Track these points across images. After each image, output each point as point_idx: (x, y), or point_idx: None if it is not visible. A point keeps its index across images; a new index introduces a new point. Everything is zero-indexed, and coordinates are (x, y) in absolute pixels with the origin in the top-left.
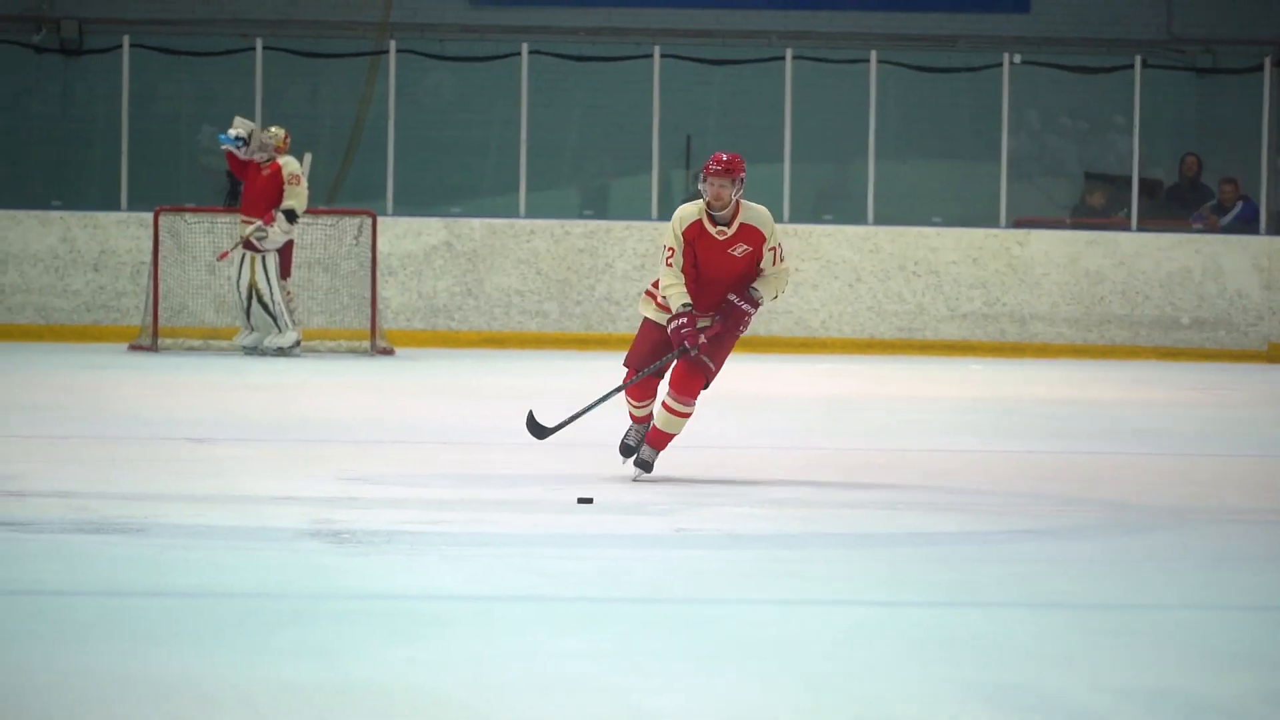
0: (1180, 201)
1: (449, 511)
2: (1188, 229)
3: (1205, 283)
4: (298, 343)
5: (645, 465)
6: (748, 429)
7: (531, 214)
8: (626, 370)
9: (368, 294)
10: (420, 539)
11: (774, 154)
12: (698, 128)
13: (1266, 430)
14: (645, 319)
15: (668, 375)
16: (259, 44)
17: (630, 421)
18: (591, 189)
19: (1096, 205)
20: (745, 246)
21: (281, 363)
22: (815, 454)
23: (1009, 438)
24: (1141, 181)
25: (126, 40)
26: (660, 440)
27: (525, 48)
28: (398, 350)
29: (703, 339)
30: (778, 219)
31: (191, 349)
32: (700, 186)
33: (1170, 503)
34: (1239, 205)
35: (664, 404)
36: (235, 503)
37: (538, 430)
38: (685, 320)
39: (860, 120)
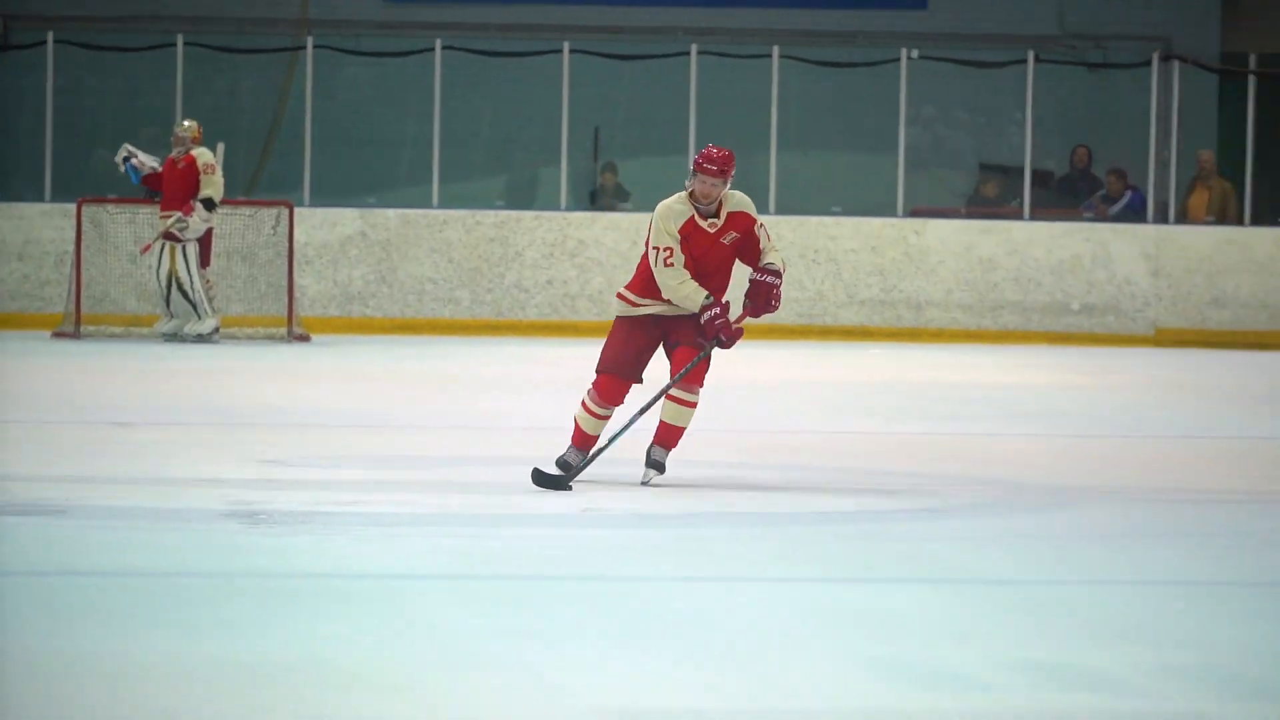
0: (1071, 192)
1: (364, 493)
2: (1078, 218)
3: (1095, 270)
4: (216, 329)
5: (659, 466)
6: (654, 412)
7: (445, 205)
8: (601, 375)
9: (285, 282)
10: (335, 519)
11: (679, 146)
12: (606, 120)
13: (1153, 412)
14: (618, 319)
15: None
16: (180, 40)
17: (570, 443)
18: (520, 180)
19: (990, 195)
20: (734, 234)
21: (201, 349)
22: (719, 436)
23: (906, 420)
24: (1034, 172)
25: (51, 36)
26: (672, 437)
27: (439, 44)
28: (314, 337)
29: (737, 326)
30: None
31: (114, 336)
32: (690, 181)
33: (1062, 481)
34: (1127, 195)
35: (671, 397)
36: (156, 485)
37: (554, 481)
38: (719, 310)
39: (763, 113)
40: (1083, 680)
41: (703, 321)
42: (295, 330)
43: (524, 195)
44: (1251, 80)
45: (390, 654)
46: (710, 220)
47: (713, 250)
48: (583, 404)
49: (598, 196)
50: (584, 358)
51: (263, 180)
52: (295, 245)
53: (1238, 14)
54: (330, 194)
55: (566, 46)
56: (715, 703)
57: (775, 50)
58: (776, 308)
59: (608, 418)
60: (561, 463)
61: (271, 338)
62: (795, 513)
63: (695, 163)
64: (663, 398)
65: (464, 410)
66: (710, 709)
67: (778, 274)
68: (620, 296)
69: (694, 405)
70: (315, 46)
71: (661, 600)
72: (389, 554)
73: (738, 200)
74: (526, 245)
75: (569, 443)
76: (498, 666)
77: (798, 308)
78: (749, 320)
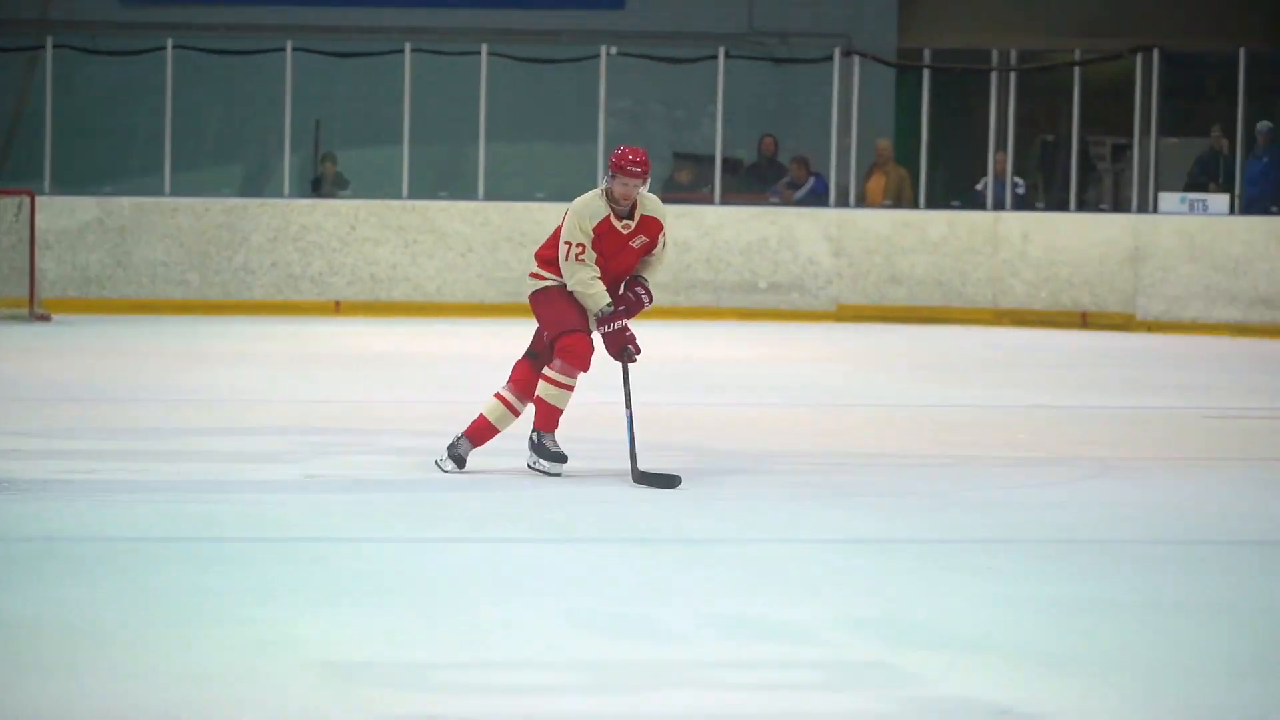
0: (759, 178)
1: (102, 461)
2: (765, 203)
3: (780, 251)
4: None
5: (548, 451)
6: (373, 383)
7: (176, 193)
8: (571, 335)
9: (26, 266)
10: (75, 487)
11: (394, 137)
12: (326, 114)
13: (832, 381)
14: (547, 289)
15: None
16: None
17: (536, 416)
18: (250, 170)
19: (684, 182)
20: (644, 238)
21: None
22: (436, 406)
23: (602, 391)
24: (724, 161)
25: None
26: (552, 419)
27: (170, 43)
28: (54, 317)
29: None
30: (396, 196)
31: None
32: (608, 181)
33: (747, 447)
34: (810, 181)
35: (545, 376)
36: None
37: (665, 480)
38: (623, 324)
39: (472, 107)
40: (771, 632)
41: (603, 332)
42: (36, 311)
43: (255, 184)
44: (925, 74)
45: (125, 612)
46: (625, 222)
47: (623, 253)
48: (549, 382)
49: (319, 184)
50: (308, 335)
51: (6, 171)
52: (36, 231)
53: (913, 12)
54: (69, 183)
55: (289, 45)
56: (431, 655)
57: (484, 48)
58: (646, 304)
59: (569, 387)
60: (554, 454)
61: (14, 318)
62: (504, 478)
63: (615, 164)
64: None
65: (195, 384)
66: (427, 661)
67: (648, 291)
68: (536, 275)
69: (571, 389)
70: (55, 46)
71: (379, 559)
72: (126, 519)
73: (652, 205)
74: (252, 230)
75: (539, 431)
76: (228, 622)
77: (504, 287)
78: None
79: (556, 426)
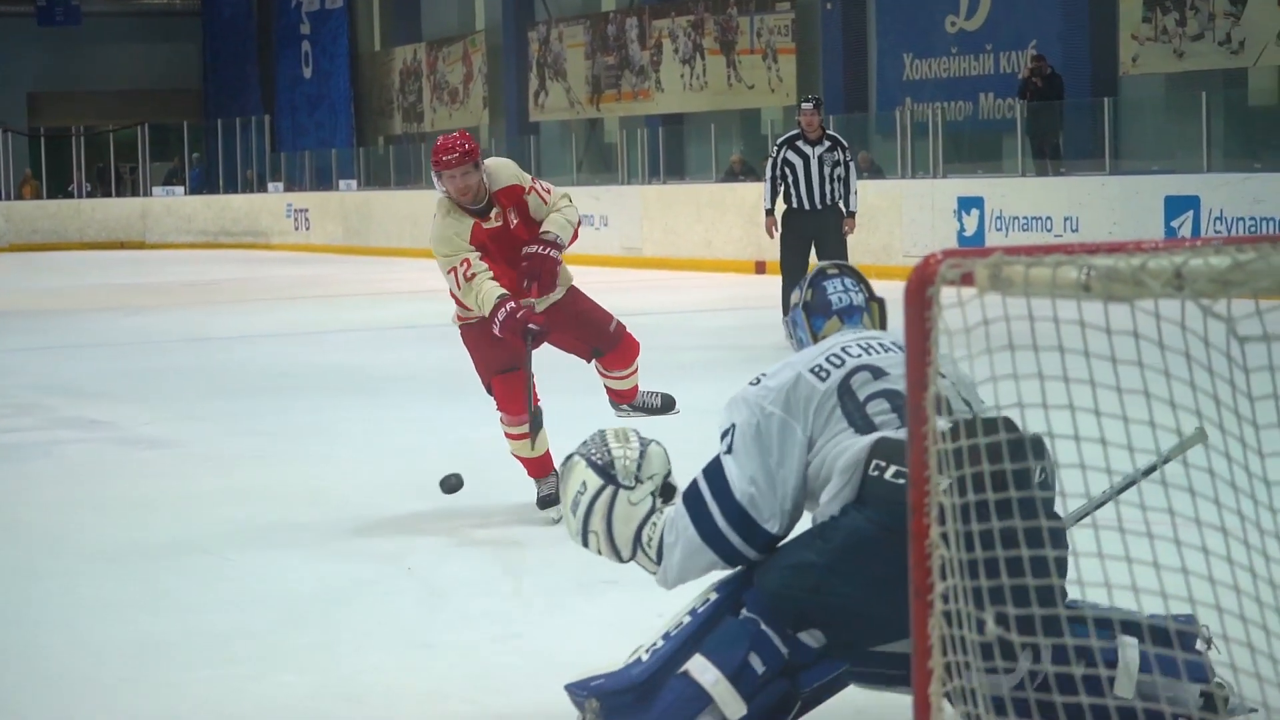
0: None
1: None
2: None
3: None
4: None
5: (539, 498)
6: None
7: None
8: (495, 380)
9: None
10: None
11: None
12: None
13: None
14: (463, 329)
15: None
16: None
17: (525, 469)
18: None
19: None
20: (512, 208)
21: None
22: None
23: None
24: None
25: None
26: (532, 468)
27: None
28: None
29: (537, 309)
30: None
31: None
32: (440, 185)
33: None
34: None
35: (613, 379)
36: None
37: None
38: (515, 304)
39: None
40: None
41: (500, 324)
42: None
43: None
44: None
45: None
46: (494, 213)
47: (507, 241)
48: (506, 437)
49: None
50: None
51: None
52: None
53: None
54: None
55: None
56: None
57: None
58: (554, 283)
59: (527, 433)
60: (545, 499)
61: None
62: None
63: (433, 162)
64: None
65: None
66: None
67: (554, 243)
68: (459, 318)
69: (636, 373)
70: None
71: None
72: None
73: (499, 176)
74: None
75: (534, 480)
76: None
77: None
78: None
79: (542, 473)
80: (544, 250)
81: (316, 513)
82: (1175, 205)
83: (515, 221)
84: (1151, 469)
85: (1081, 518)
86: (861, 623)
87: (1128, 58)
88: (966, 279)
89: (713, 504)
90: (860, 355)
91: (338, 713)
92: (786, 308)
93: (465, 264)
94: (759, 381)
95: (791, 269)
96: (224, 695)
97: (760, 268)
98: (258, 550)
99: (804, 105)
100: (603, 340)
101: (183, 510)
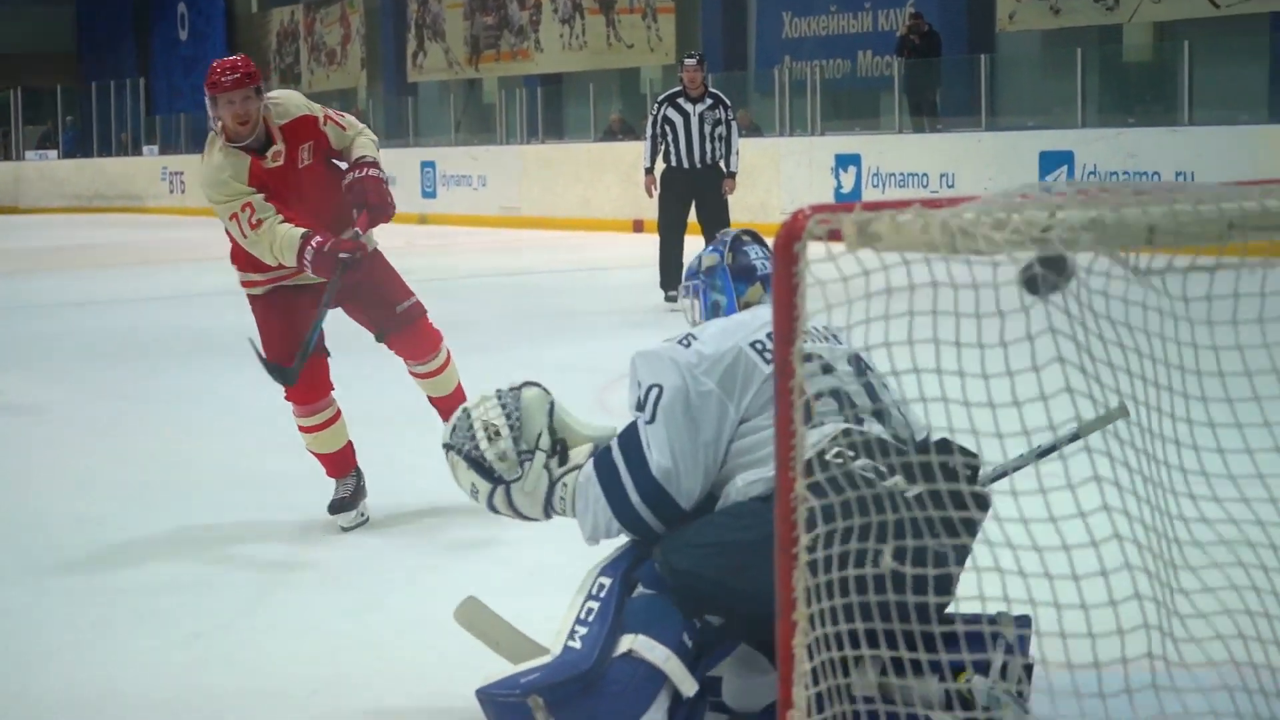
0: None
1: None
2: None
3: None
4: None
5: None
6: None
7: None
8: (282, 368)
9: None
10: None
11: None
12: None
13: None
14: (251, 300)
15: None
16: None
17: (321, 467)
18: None
19: None
20: (305, 144)
21: None
22: None
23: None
24: None
25: None
26: (330, 466)
27: None
28: None
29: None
30: None
31: None
32: (212, 120)
33: None
34: None
35: (416, 373)
36: None
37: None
38: (320, 238)
39: None
40: None
41: (310, 262)
42: None
43: None
44: None
45: None
46: (273, 151)
47: (302, 182)
48: (300, 430)
49: None
50: None
51: None
52: None
53: None
54: None
55: None
56: None
57: None
58: (391, 204)
59: (323, 424)
60: (337, 503)
61: None
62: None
63: (208, 85)
64: (422, 374)
65: None
66: None
67: (374, 164)
68: (244, 284)
69: (449, 363)
70: None
71: None
72: None
73: (288, 107)
74: None
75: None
76: None
77: None
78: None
79: (342, 471)
80: (367, 173)
81: (180, 477)
82: (1050, 160)
83: (308, 160)
84: (1073, 437)
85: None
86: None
87: (1004, 14)
88: (834, 235)
89: (627, 478)
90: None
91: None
92: (665, 266)
93: (248, 209)
94: (689, 344)
95: (669, 228)
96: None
97: (638, 226)
98: (129, 516)
99: (687, 61)
100: (389, 319)
101: (45, 478)
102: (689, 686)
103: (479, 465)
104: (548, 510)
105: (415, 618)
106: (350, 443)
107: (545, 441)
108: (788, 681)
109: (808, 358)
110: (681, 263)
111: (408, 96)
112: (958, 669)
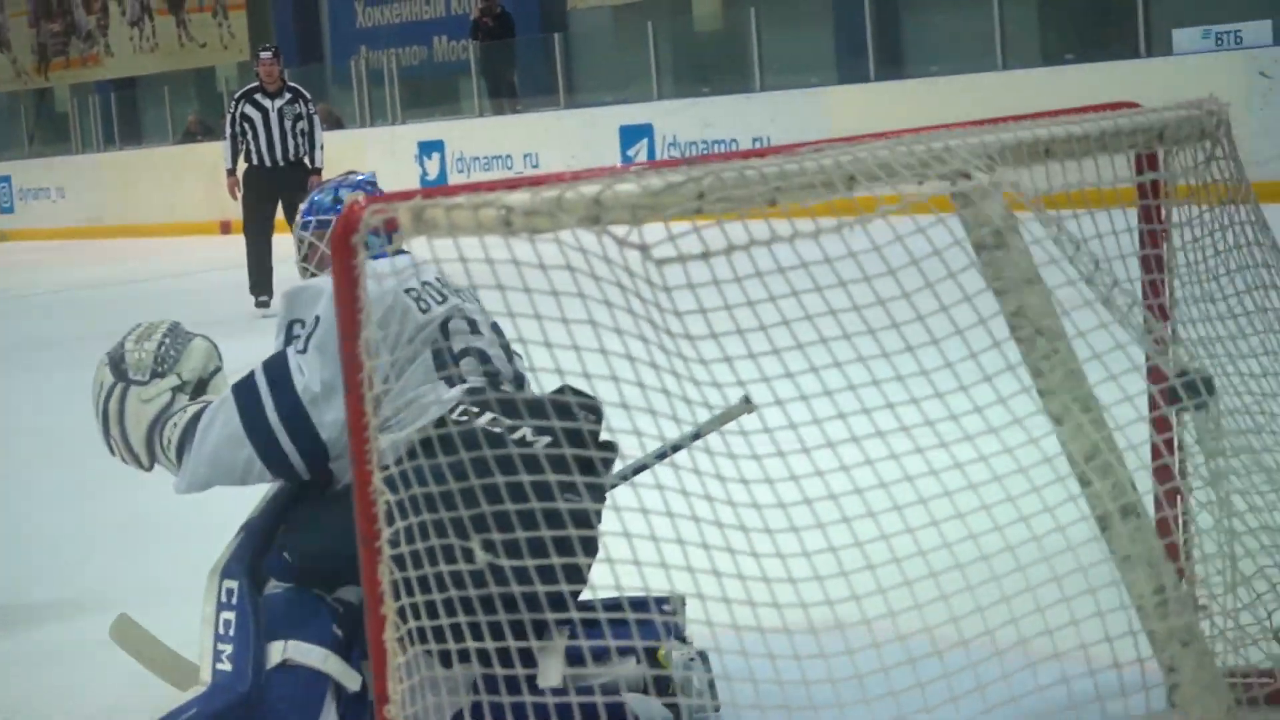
0: None
1: None
2: None
3: None
4: None
5: None
6: None
7: None
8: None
9: None
10: None
11: None
12: None
13: None
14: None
15: None
16: None
17: None
18: None
19: None
20: None
21: None
22: None
23: None
24: None
25: None
26: None
27: None
28: None
29: None
30: None
31: None
32: None
33: None
34: None
35: None
36: None
37: None
38: None
39: None
40: None
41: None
42: None
43: None
44: None
45: None
46: None
47: None
48: None
49: None
50: None
51: None
52: None
53: None
54: None
55: None
56: None
57: None
58: None
59: None
60: None
61: None
62: None
63: None
64: None
65: None
66: None
67: None
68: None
69: None
70: None
71: None
72: None
73: None
74: None
75: None
76: None
77: None
78: None
79: None
80: None
81: None
82: (630, 134)
83: None
84: (695, 436)
85: (617, 485)
86: None
87: None
88: (391, 224)
89: (266, 394)
90: (454, 299)
91: None
92: (254, 270)
93: None
94: None
95: (256, 231)
96: None
97: (225, 228)
98: None
99: (262, 54)
100: None
101: None
102: (352, 681)
103: (116, 364)
104: (150, 439)
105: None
106: None
107: (186, 378)
108: (381, 677)
109: (453, 317)
110: (271, 266)
111: None
112: (653, 649)
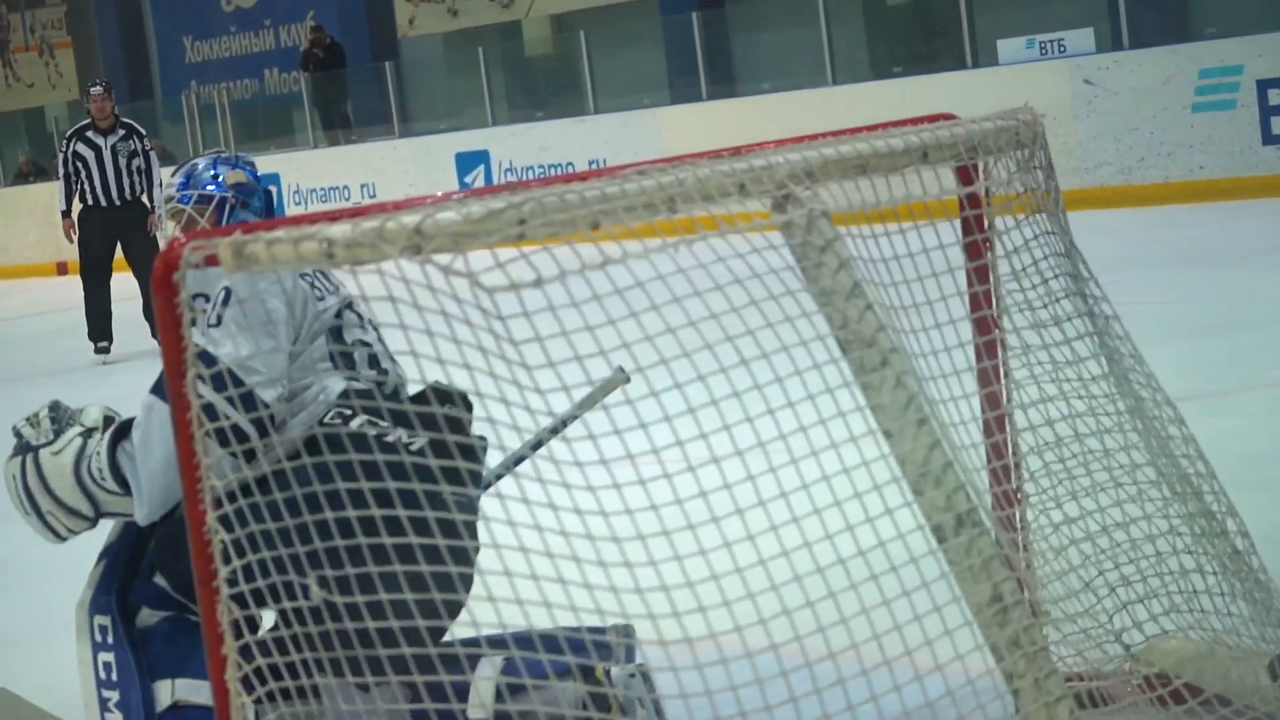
0: None
1: None
2: None
3: None
4: None
5: None
6: None
7: None
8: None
9: None
10: None
11: None
12: None
13: None
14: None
15: None
16: None
17: None
18: None
19: None
20: None
21: None
22: None
23: None
24: None
25: None
26: None
27: None
28: None
29: None
30: None
31: None
32: None
33: None
34: None
35: None
36: None
37: None
38: None
39: None
40: None
41: None
42: None
43: None
44: None
45: None
46: None
47: None
48: None
49: None
50: None
51: None
52: None
53: None
54: None
55: None
56: None
57: None
58: None
59: None
60: None
61: None
62: None
63: None
64: None
65: None
66: None
67: None
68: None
69: None
70: None
71: None
72: None
73: None
74: None
75: None
76: None
77: None
78: None
79: None
80: None
81: None
82: (466, 161)
83: None
84: (572, 417)
85: (501, 476)
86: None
87: (404, 20)
88: (211, 260)
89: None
90: (345, 290)
91: None
92: (92, 315)
93: None
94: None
95: (93, 274)
96: None
97: (62, 269)
98: None
99: (93, 90)
100: None
101: None
102: (251, 711)
103: (17, 445)
104: (80, 481)
105: None
106: None
107: (92, 424)
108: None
109: (344, 309)
110: (110, 311)
111: None
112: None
